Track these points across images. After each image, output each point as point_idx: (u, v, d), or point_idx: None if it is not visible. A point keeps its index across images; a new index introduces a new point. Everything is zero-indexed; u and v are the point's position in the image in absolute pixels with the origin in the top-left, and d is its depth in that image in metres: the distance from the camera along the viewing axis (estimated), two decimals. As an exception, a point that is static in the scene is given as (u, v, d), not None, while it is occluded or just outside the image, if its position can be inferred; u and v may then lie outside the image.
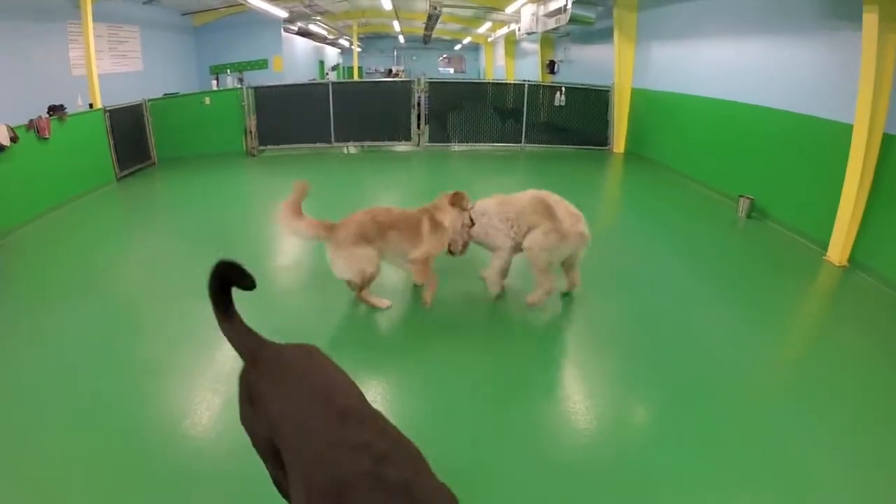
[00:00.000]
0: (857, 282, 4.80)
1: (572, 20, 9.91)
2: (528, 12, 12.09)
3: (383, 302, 3.97)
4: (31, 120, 6.63)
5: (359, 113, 10.57)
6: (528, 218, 3.88)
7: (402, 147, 10.88)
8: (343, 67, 28.59)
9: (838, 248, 5.09)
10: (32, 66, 8.52)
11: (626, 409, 3.02)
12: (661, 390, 3.15)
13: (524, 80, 11.02)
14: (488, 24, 18.99)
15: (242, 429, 1.75)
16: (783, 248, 5.61)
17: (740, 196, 6.55)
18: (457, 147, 10.95)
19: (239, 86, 11.05)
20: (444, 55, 33.83)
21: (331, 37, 22.17)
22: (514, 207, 3.95)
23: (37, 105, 7.30)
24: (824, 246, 5.29)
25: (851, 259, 5.07)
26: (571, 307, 4.18)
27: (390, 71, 29.87)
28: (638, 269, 5.00)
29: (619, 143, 10.77)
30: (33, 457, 2.58)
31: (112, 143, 8.27)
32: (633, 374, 3.32)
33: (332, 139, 10.58)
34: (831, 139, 5.37)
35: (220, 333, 1.76)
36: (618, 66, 10.32)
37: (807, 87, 5.85)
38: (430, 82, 10.79)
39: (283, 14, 13.98)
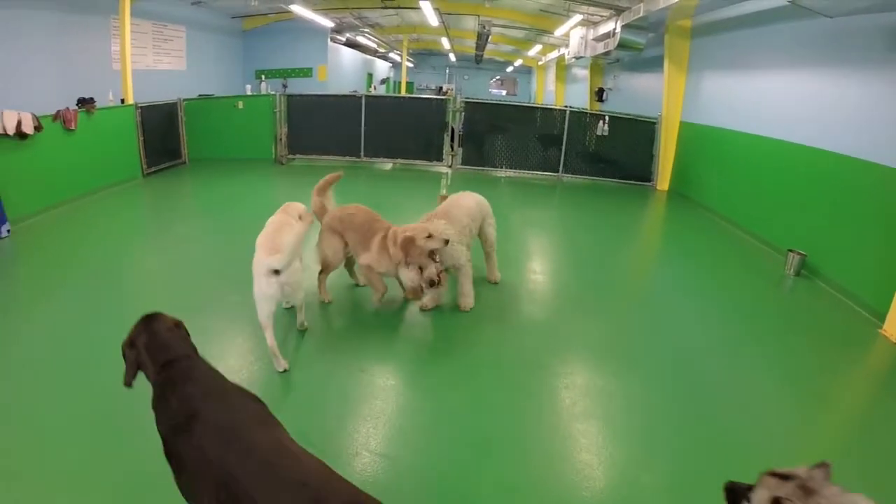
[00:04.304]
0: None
1: (621, 45, 9.41)
2: (576, 35, 11.65)
3: (326, 295, 4.28)
4: (59, 111, 6.64)
5: (390, 129, 10.31)
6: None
7: (437, 168, 10.48)
8: (393, 82, 28.72)
9: (896, 322, 4.39)
10: (74, 57, 8.66)
11: (638, 482, 2.62)
12: (676, 464, 2.75)
13: (566, 107, 10.52)
14: (538, 48, 18.68)
15: None
16: (833, 315, 4.92)
17: (789, 251, 5.86)
18: (490, 172, 10.51)
19: (274, 92, 11.00)
20: (497, 77, 33.72)
21: (381, 50, 22.27)
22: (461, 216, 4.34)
23: (76, 96, 7.38)
24: (881, 317, 4.58)
25: (911, 336, 4.36)
26: (594, 362, 3.77)
27: (440, 89, 29.87)
28: (664, 327, 4.44)
29: (663, 179, 10.10)
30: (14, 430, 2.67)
31: (141, 139, 8.28)
32: (650, 442, 2.93)
33: (362, 153, 10.35)
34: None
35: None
36: (667, 96, 9.71)
37: (878, 132, 5.14)
38: (466, 102, 10.45)
39: (330, 24, 14.02)
